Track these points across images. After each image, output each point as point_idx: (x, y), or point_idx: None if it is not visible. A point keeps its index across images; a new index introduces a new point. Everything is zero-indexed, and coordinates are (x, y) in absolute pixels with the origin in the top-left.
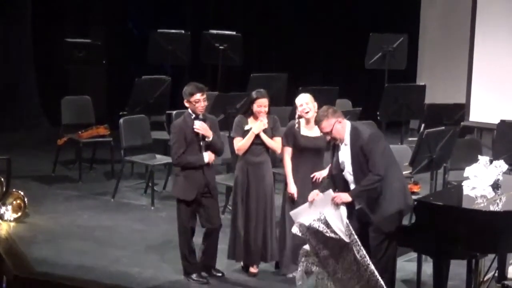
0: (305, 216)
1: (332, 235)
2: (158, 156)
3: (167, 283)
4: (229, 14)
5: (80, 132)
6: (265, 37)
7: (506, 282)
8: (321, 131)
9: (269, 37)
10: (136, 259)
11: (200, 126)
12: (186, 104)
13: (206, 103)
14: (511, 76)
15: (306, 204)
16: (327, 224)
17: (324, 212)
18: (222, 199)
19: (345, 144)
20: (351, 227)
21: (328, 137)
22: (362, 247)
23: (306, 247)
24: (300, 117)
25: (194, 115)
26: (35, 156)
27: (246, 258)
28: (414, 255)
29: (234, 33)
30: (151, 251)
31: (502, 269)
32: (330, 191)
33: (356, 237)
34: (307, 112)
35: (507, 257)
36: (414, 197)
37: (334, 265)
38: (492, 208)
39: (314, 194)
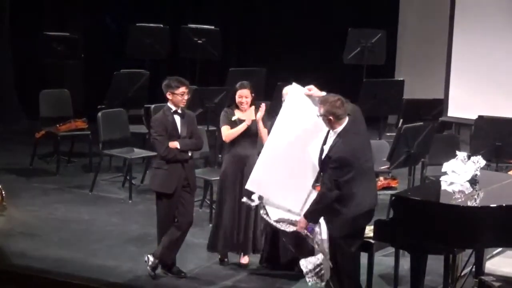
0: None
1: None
2: (136, 149)
3: (144, 276)
4: (207, 8)
5: (58, 126)
6: (243, 32)
7: (483, 277)
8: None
9: (247, 32)
10: (113, 253)
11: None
12: (169, 97)
13: (188, 96)
14: (489, 72)
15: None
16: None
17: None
18: (200, 193)
19: (334, 133)
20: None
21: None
22: None
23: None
24: None
25: (173, 109)
26: (13, 149)
27: (232, 249)
28: (391, 250)
29: (213, 27)
30: (128, 244)
31: (479, 264)
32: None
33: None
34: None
35: (484, 253)
36: (391, 192)
37: None
38: (469, 203)
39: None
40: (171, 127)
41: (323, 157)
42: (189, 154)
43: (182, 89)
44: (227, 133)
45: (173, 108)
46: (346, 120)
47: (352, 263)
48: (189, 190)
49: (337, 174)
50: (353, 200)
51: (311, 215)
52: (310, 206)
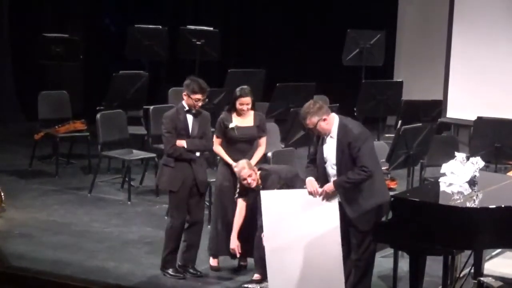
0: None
1: None
2: (135, 151)
3: (143, 277)
4: (206, 9)
5: (57, 127)
6: (242, 33)
7: (482, 279)
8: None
9: (246, 33)
10: (112, 254)
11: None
12: (184, 97)
13: (203, 103)
14: (487, 73)
15: (291, 191)
16: None
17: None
18: None
19: (331, 137)
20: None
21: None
22: None
23: None
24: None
25: (187, 108)
26: (12, 151)
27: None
28: (390, 251)
29: (212, 28)
30: (127, 246)
31: (478, 265)
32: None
33: None
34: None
35: (483, 254)
36: (390, 193)
37: None
38: (468, 204)
39: (314, 185)
40: (182, 125)
41: (325, 159)
42: (197, 154)
43: (198, 96)
44: (217, 148)
45: (187, 108)
46: (335, 116)
47: (373, 258)
48: (196, 190)
49: (366, 150)
50: (378, 190)
51: (341, 185)
52: (343, 179)
